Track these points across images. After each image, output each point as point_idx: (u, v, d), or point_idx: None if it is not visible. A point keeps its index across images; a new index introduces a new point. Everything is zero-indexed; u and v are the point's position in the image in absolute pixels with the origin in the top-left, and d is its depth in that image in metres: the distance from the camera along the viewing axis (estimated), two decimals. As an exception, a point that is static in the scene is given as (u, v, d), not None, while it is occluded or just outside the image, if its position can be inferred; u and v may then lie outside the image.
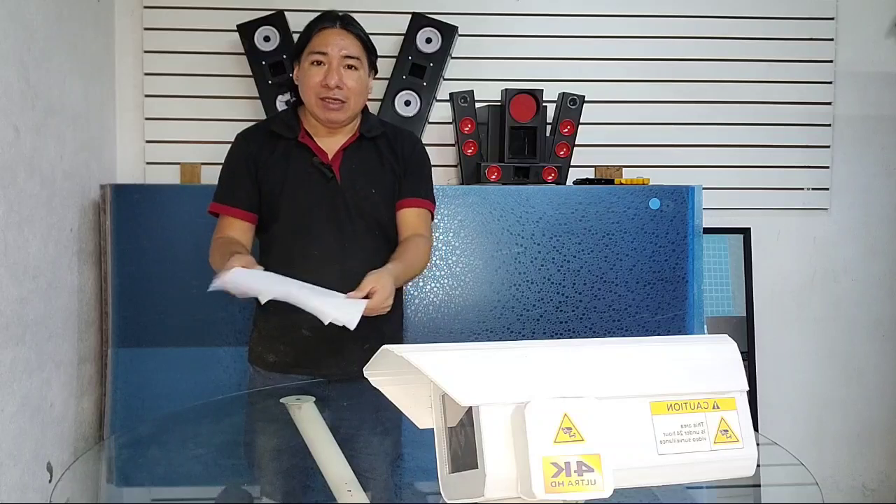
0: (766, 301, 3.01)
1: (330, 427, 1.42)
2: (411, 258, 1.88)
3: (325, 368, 1.90)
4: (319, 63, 1.87)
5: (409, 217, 1.96)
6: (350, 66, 1.88)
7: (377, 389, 0.95)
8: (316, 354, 1.89)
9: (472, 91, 2.68)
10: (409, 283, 2.46)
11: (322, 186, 1.90)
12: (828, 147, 3.04)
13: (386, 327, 1.88)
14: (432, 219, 2.02)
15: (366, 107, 2.00)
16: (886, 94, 3.07)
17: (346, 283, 1.81)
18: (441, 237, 2.49)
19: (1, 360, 1.91)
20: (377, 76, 2.79)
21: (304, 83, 1.90)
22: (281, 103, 2.65)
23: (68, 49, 2.34)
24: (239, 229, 1.91)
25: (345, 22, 1.91)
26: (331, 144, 1.93)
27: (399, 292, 2.04)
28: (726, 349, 0.92)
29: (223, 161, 1.97)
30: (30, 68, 2.07)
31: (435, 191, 2.47)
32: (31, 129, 2.08)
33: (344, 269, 1.86)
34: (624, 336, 2.49)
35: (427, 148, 2.82)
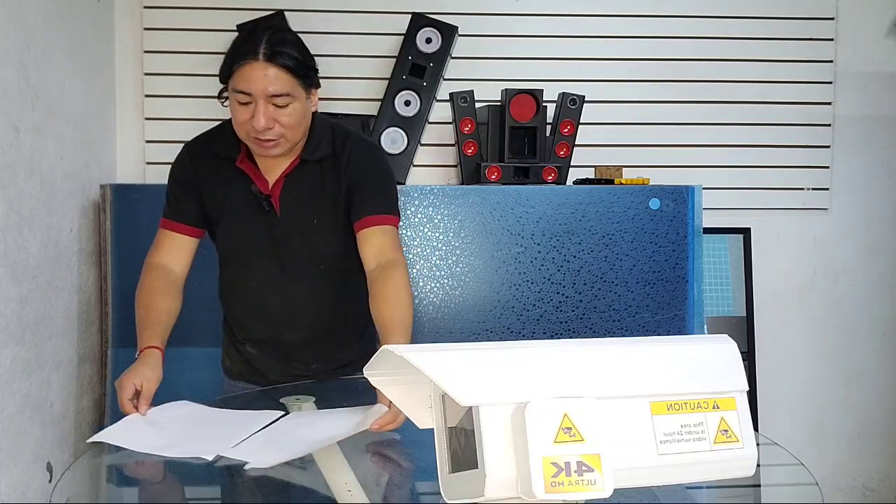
0: (766, 301, 3.01)
1: (330, 427, 1.42)
2: (405, 314, 1.61)
3: (271, 380, 1.85)
4: (245, 102, 1.62)
5: (374, 239, 1.69)
6: (280, 105, 1.62)
7: (376, 389, 0.95)
8: (263, 367, 1.86)
9: (472, 91, 2.68)
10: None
11: (261, 218, 1.74)
12: (828, 147, 3.04)
13: (339, 352, 1.84)
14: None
15: (314, 120, 1.75)
16: (886, 94, 3.07)
17: (288, 315, 1.80)
18: (441, 237, 2.49)
19: (1, 360, 1.91)
20: (376, 76, 2.83)
21: (233, 118, 1.67)
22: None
23: (68, 49, 2.34)
24: (178, 247, 1.77)
25: (269, 52, 1.60)
26: (273, 169, 1.74)
27: (371, 327, 1.85)
28: (726, 349, 0.92)
29: (170, 172, 1.84)
30: (30, 68, 2.07)
31: (433, 191, 2.50)
32: (31, 129, 2.08)
33: (285, 300, 1.78)
34: (624, 336, 2.49)
35: (427, 148, 2.87)
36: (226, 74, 1.65)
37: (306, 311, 1.81)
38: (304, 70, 1.65)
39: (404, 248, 2.44)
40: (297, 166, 1.74)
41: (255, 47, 1.60)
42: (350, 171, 1.74)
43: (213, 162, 1.77)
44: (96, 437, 1.36)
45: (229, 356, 1.93)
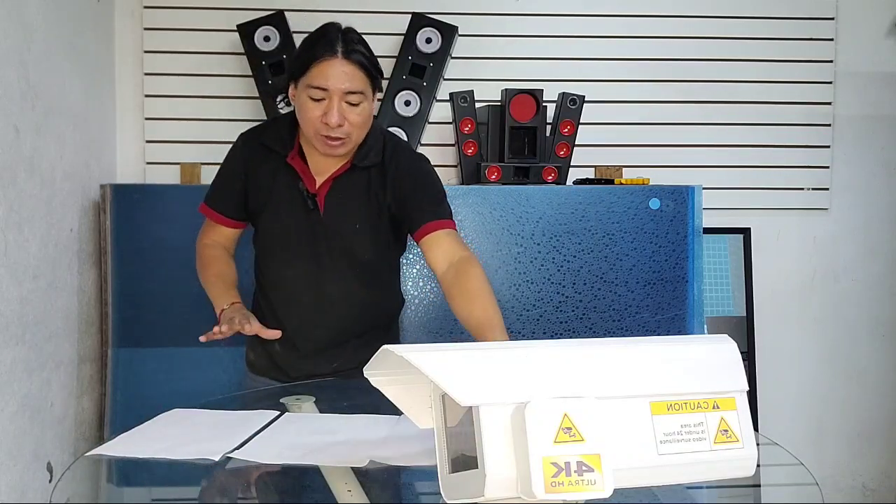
0: (766, 301, 3.01)
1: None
2: (496, 311, 1.62)
3: (292, 378, 1.88)
4: (319, 98, 1.68)
5: (440, 242, 1.73)
6: (353, 103, 1.69)
7: (376, 389, 0.95)
8: (285, 365, 1.89)
9: (472, 91, 2.68)
10: (410, 283, 2.47)
11: (304, 215, 1.79)
12: (828, 147, 3.04)
13: (361, 352, 1.86)
14: None
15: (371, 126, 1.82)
16: (886, 94, 3.07)
17: (320, 309, 1.83)
18: (441, 237, 2.49)
19: (1, 360, 1.91)
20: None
21: (302, 115, 1.73)
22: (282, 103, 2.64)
23: (68, 49, 2.34)
24: (224, 236, 1.89)
25: (347, 49, 1.68)
26: (323, 168, 1.79)
27: (396, 327, 2.03)
28: (726, 349, 0.92)
29: (223, 159, 1.92)
30: (30, 68, 2.07)
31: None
32: (31, 129, 2.08)
33: (320, 294, 1.82)
34: (624, 336, 2.49)
35: (427, 148, 2.86)
36: (300, 72, 1.70)
37: (339, 307, 1.84)
38: (375, 70, 1.74)
39: (405, 248, 2.45)
40: (347, 170, 1.79)
41: (332, 45, 1.68)
42: (398, 181, 1.79)
43: (262, 151, 1.83)
44: (94, 452, 1.34)
45: (254, 351, 1.95)
